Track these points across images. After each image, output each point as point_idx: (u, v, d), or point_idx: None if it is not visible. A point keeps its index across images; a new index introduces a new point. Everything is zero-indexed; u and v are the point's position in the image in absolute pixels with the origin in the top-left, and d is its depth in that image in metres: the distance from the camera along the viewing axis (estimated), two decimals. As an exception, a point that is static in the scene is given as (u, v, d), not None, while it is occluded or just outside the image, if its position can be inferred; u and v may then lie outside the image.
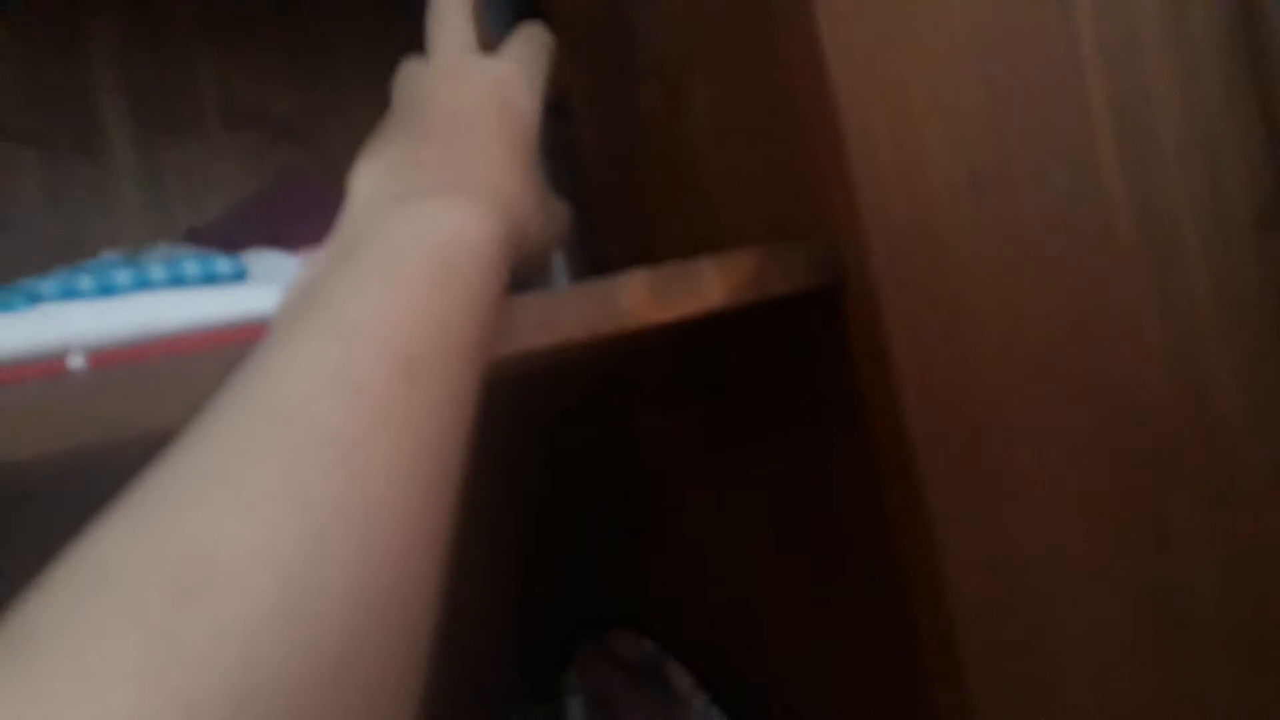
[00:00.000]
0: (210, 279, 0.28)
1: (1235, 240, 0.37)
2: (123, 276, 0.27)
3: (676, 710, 0.50)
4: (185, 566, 0.16)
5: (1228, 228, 0.37)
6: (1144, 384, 0.35)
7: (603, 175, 0.50)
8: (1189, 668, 0.36)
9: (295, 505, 0.17)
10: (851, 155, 0.32)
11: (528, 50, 0.34)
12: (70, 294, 0.27)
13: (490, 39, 0.35)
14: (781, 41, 0.35)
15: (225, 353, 0.24)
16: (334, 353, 0.20)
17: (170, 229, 0.58)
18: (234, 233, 0.53)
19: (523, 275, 0.43)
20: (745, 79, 0.38)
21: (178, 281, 0.28)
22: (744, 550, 0.45)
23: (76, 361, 0.25)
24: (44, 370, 0.25)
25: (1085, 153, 0.35)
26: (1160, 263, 0.36)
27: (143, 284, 0.28)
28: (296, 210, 0.53)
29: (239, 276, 0.29)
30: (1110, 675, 0.34)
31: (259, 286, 0.28)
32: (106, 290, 0.27)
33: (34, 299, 0.26)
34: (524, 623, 0.67)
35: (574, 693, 0.57)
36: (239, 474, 0.17)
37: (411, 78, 0.33)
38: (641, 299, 0.31)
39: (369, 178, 0.28)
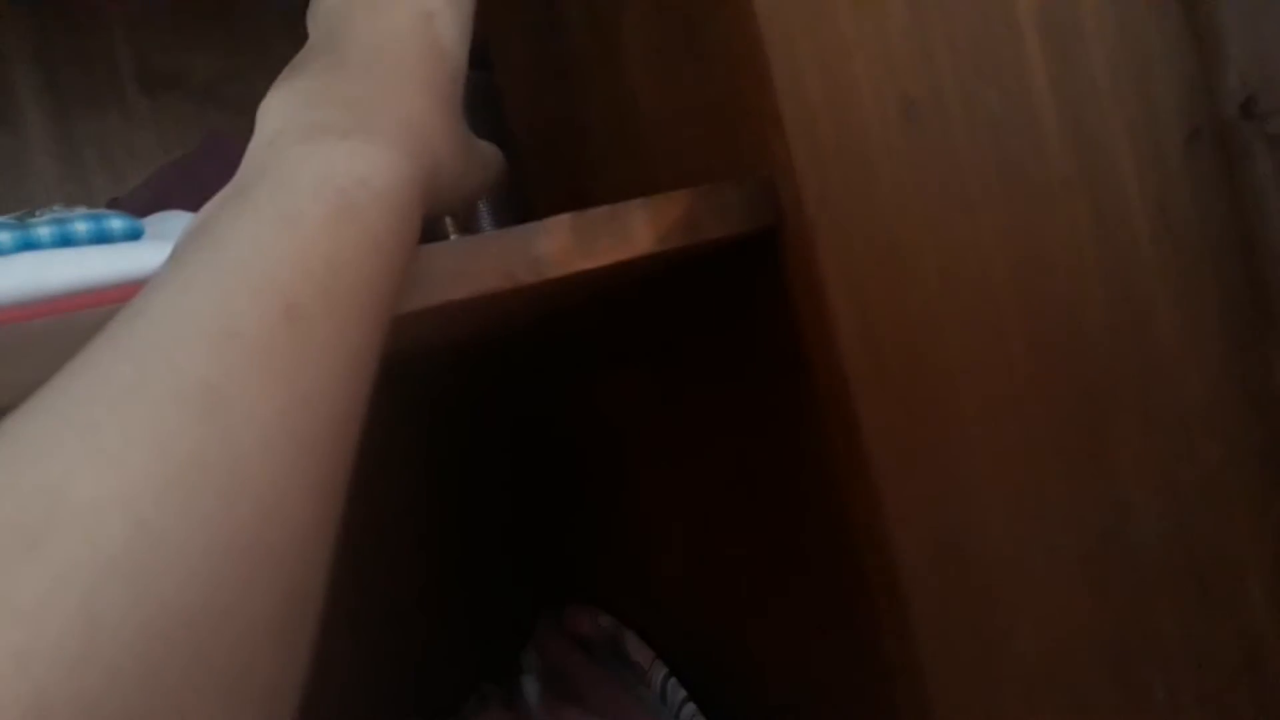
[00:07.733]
0: (102, 238, 0.27)
1: (1167, 158, 0.36)
2: (5, 237, 0.26)
3: (636, 683, 0.49)
4: (29, 516, 0.15)
5: (1160, 145, 0.36)
6: (1082, 312, 0.35)
7: (532, 126, 0.49)
8: (1135, 606, 0.36)
9: (154, 453, 0.16)
10: (779, 89, 0.31)
11: None
12: (-51, 258, 0.25)
13: None
14: (706, -25, 0.33)
15: (115, 312, 0.23)
16: (211, 295, 0.19)
17: (89, 200, 0.56)
18: (157, 200, 0.50)
19: (447, 220, 0.42)
20: (675, 18, 0.37)
21: (66, 241, 0.26)
22: (698, 512, 0.44)
23: (-46, 327, 0.23)
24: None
25: (1015, 74, 0.34)
26: (1094, 186, 0.35)
27: (28, 244, 0.26)
28: (222, 175, 0.51)
29: (134, 235, 0.28)
30: (1059, 616, 0.34)
31: (153, 244, 0.26)
32: (-14, 252, 0.25)
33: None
34: (480, 602, 0.67)
35: (531, 670, 0.56)
36: (98, 419, 0.17)
37: (329, 8, 0.31)
38: (565, 245, 0.30)
39: (277, 110, 0.26)
